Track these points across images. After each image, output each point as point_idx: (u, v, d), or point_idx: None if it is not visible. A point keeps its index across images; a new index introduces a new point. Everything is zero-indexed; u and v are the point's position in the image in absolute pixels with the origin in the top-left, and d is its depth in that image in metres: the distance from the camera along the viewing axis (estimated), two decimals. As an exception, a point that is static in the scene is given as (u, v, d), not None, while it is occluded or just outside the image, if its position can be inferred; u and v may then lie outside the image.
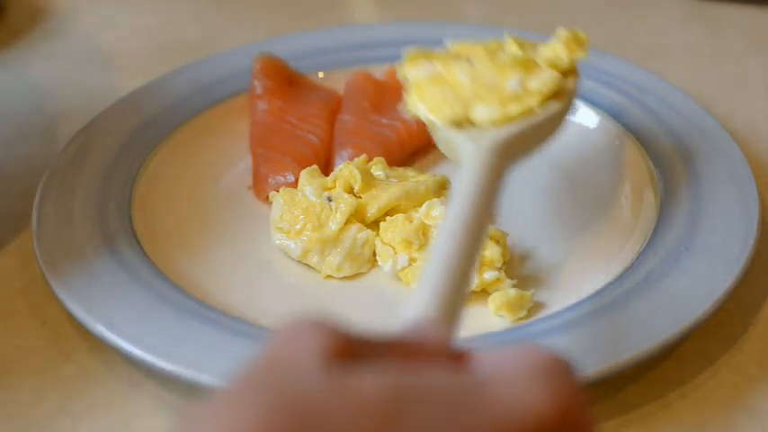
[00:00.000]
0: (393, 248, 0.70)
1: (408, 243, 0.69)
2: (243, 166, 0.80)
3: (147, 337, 0.61)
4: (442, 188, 0.74)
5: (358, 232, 0.71)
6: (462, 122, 0.63)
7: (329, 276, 0.70)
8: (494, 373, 0.38)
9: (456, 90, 0.65)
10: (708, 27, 1.00)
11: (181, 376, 0.60)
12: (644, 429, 0.60)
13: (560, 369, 0.38)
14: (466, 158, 0.60)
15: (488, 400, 0.37)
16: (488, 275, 0.67)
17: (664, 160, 0.75)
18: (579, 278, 0.69)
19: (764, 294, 0.68)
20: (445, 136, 0.64)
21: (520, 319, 0.65)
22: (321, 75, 0.87)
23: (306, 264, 0.71)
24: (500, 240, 0.69)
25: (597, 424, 0.40)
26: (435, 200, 0.72)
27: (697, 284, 0.64)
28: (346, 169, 0.73)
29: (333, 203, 0.71)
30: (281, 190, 0.73)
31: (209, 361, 0.60)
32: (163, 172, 0.78)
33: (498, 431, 0.36)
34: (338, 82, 0.87)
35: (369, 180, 0.73)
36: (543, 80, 0.65)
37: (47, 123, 0.88)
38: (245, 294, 0.68)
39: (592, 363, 0.59)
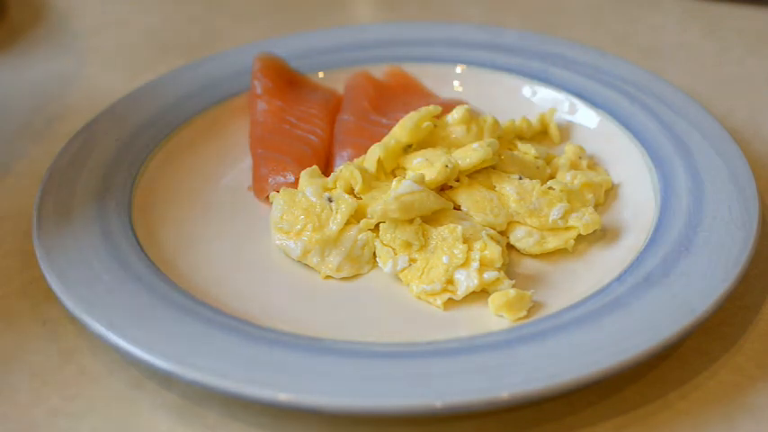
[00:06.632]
0: (393, 249, 0.70)
1: (408, 244, 0.69)
2: (243, 166, 0.80)
3: (147, 337, 0.61)
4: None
5: (358, 233, 0.70)
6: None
7: (329, 276, 0.70)
8: None
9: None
10: (708, 27, 1.00)
11: (181, 376, 0.60)
12: (644, 429, 0.60)
13: None
14: None
15: None
16: (488, 275, 0.67)
17: (664, 160, 0.75)
18: (579, 278, 0.69)
19: (764, 294, 0.68)
20: None
21: (520, 319, 0.65)
22: (321, 75, 0.88)
23: (306, 264, 0.71)
24: (500, 240, 0.69)
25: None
26: (435, 200, 0.72)
27: (697, 284, 0.64)
28: (347, 170, 0.73)
29: (333, 204, 0.71)
30: (281, 190, 0.73)
31: (208, 361, 0.60)
32: (163, 172, 0.78)
33: None
34: (338, 82, 0.87)
35: (369, 181, 0.73)
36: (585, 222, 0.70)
37: (47, 123, 0.88)
38: (245, 294, 0.68)
39: (592, 363, 0.59)
